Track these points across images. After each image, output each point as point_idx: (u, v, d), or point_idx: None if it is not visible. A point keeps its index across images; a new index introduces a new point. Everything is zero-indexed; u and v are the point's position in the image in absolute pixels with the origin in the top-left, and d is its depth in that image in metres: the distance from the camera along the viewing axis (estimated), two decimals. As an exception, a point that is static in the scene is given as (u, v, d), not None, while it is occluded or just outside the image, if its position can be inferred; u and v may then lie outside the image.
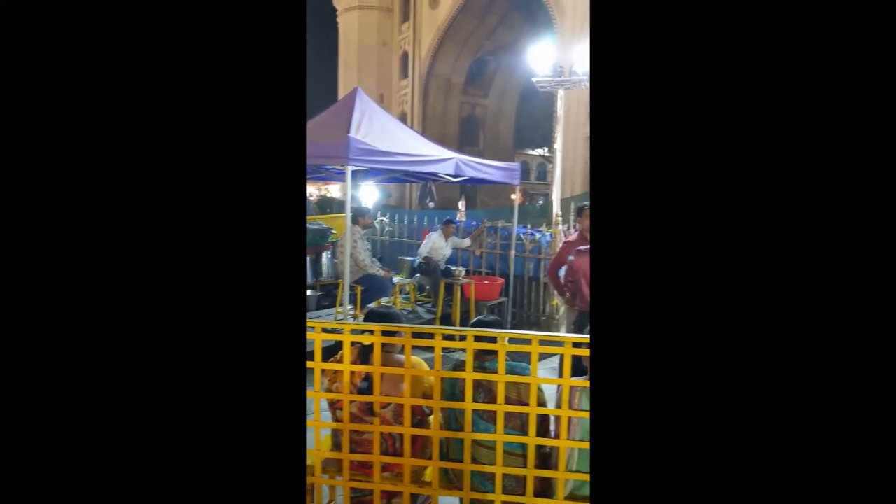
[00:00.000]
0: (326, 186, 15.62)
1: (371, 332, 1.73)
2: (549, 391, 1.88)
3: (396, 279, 5.79)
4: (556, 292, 4.57)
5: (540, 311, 5.73)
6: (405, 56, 23.17)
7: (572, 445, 1.69)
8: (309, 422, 1.62)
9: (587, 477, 1.66)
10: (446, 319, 5.54)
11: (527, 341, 1.64)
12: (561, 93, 5.84)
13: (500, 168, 5.21)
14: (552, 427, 1.80)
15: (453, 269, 5.64)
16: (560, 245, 4.14)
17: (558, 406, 1.66)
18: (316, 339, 1.72)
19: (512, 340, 1.70)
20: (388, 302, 5.62)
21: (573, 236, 3.82)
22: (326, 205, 11.34)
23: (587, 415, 1.67)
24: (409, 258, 6.56)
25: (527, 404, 1.66)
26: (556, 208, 6.02)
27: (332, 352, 1.84)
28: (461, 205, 10.25)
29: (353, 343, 1.76)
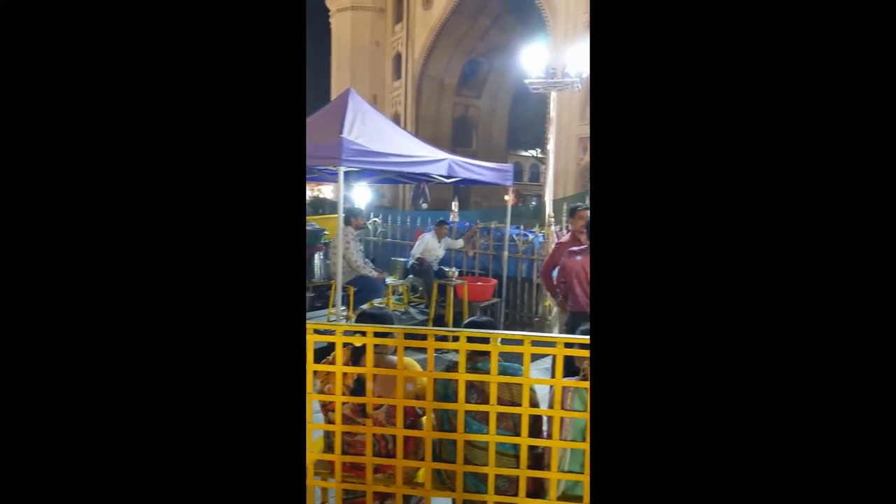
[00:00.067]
0: (319, 187, 15.56)
1: (363, 333, 1.73)
2: (542, 392, 1.89)
3: (389, 280, 5.78)
4: (548, 293, 4.58)
5: (532, 311, 5.73)
6: (398, 57, 23.12)
7: (565, 446, 1.69)
8: (301, 423, 1.62)
9: (579, 477, 1.67)
10: (439, 320, 5.53)
11: (519, 342, 1.65)
12: (553, 94, 5.84)
13: (493, 169, 5.21)
14: (545, 427, 1.80)
15: (446, 270, 5.64)
16: (553, 246, 4.15)
17: (551, 406, 1.66)
18: (308, 340, 1.72)
19: (504, 341, 1.70)
20: (380, 303, 5.60)
21: (566, 237, 3.83)
22: (319, 205, 11.29)
23: (579, 415, 1.68)
24: (401, 259, 6.56)
25: (519, 405, 1.67)
26: (548, 209, 6.02)
27: (324, 353, 1.84)
28: (454, 206, 10.26)
29: (345, 344, 1.76)
